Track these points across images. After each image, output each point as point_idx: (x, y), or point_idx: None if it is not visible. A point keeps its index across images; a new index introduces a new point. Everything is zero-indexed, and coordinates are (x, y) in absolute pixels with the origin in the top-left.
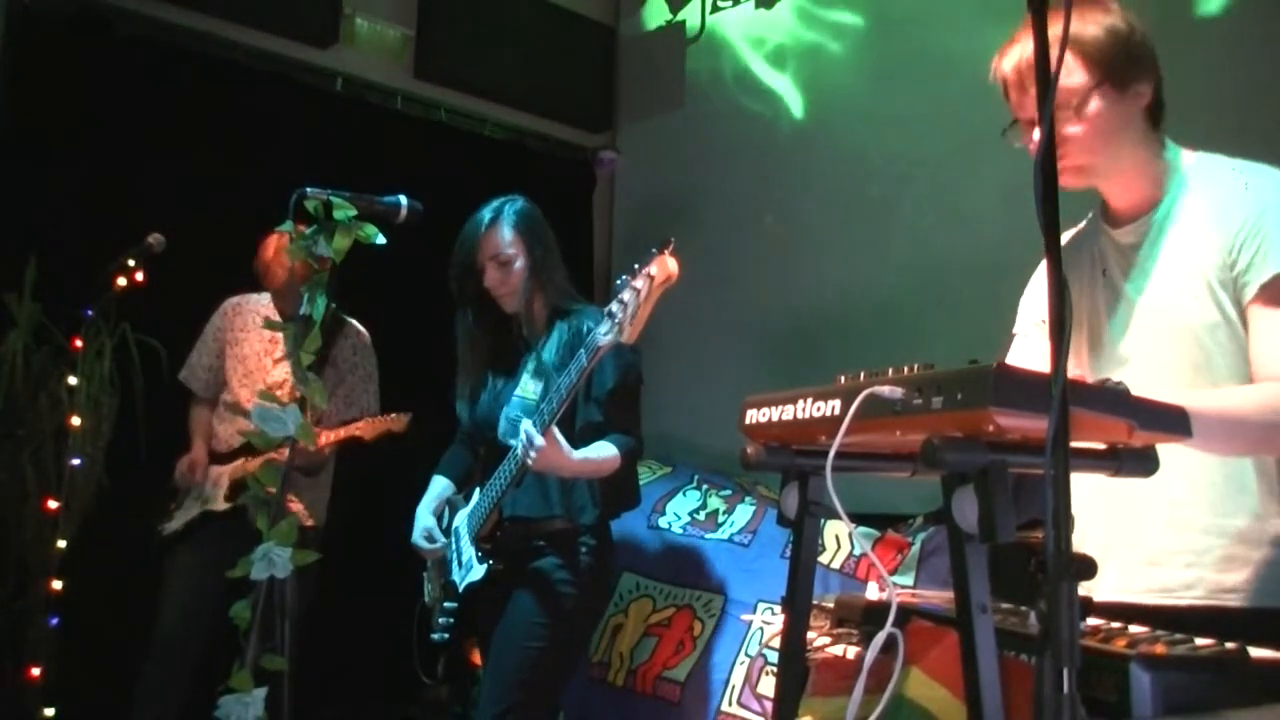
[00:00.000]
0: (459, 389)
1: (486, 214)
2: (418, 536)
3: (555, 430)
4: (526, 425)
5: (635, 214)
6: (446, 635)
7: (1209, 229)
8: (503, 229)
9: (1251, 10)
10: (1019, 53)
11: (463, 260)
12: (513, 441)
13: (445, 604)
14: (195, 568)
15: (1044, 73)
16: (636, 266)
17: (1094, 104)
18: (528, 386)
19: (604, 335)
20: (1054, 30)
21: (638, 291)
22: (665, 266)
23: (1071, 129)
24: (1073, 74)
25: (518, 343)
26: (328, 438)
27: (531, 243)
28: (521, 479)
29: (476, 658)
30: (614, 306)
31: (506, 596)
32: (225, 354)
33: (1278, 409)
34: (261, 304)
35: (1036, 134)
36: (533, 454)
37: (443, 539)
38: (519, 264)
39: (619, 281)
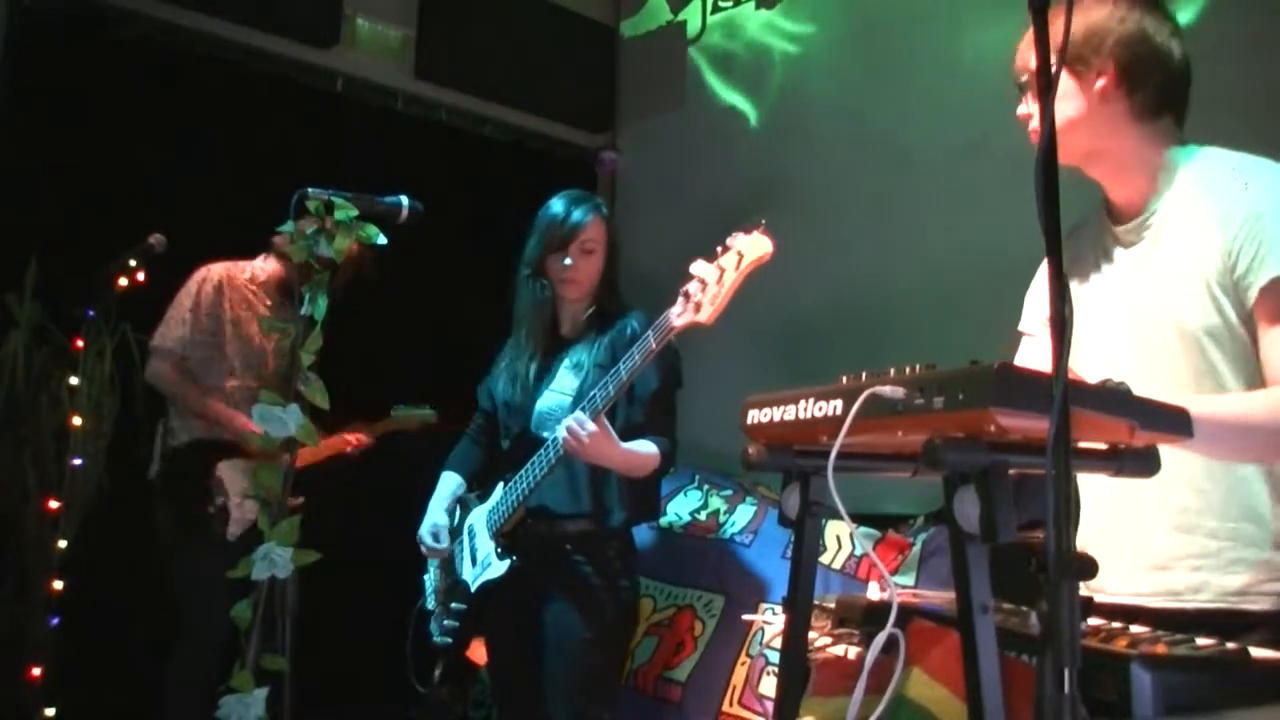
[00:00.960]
0: (501, 365)
1: (586, 203)
2: (424, 532)
3: (604, 419)
4: (575, 414)
5: (635, 214)
6: (450, 639)
7: (1208, 230)
8: (600, 222)
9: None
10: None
11: (557, 240)
12: (547, 434)
13: (452, 605)
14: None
15: (1045, 72)
16: (719, 248)
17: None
18: (564, 381)
19: (677, 316)
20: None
21: (722, 270)
22: (760, 244)
23: (1025, 109)
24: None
25: (556, 336)
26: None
27: (612, 244)
28: (554, 470)
29: (476, 657)
30: (690, 286)
31: (530, 600)
32: (225, 334)
33: None
34: (245, 277)
35: (1022, 109)
36: (584, 438)
37: (446, 541)
38: (598, 259)
39: (695, 265)
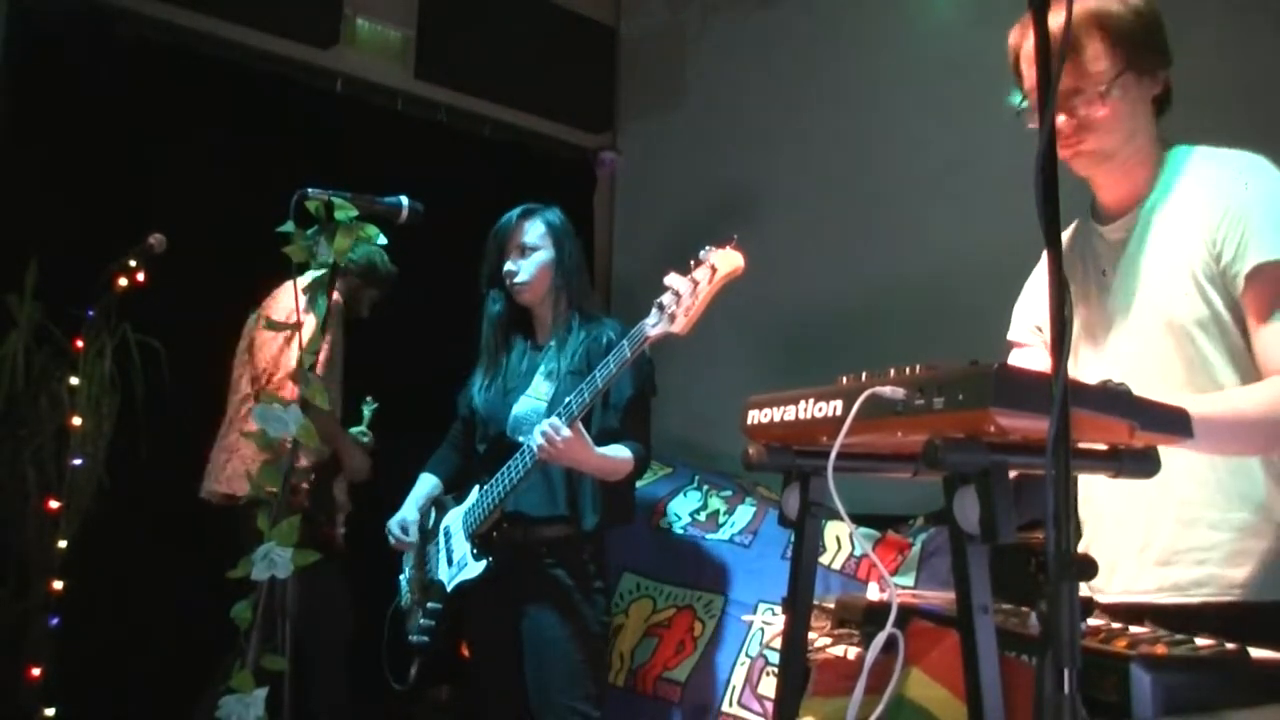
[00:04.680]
0: (474, 378)
1: (523, 208)
2: (393, 524)
3: (580, 424)
4: (550, 420)
5: (635, 214)
6: (427, 638)
7: (1192, 222)
8: (534, 221)
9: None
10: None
11: (495, 247)
12: (523, 439)
13: (428, 605)
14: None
15: (1045, 71)
16: (692, 261)
17: (1119, 88)
18: (539, 387)
19: (652, 326)
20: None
21: (696, 283)
22: (732, 259)
23: (1098, 112)
24: (1100, 59)
25: (532, 342)
26: None
27: (559, 241)
28: (530, 474)
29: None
30: (665, 298)
31: (508, 603)
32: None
33: None
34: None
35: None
36: (559, 444)
37: (415, 535)
38: (541, 257)
39: (669, 277)
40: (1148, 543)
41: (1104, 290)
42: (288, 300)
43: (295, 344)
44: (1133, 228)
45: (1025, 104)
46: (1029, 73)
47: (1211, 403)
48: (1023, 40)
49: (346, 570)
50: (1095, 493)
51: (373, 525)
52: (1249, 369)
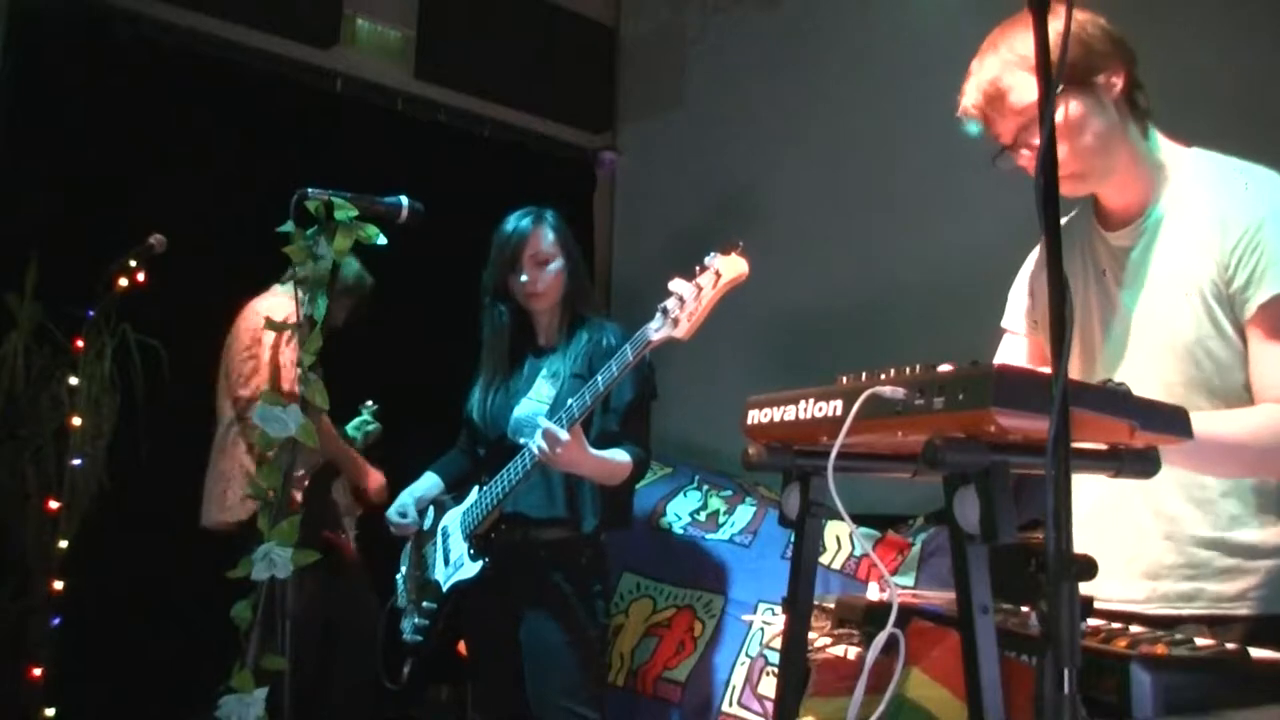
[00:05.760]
0: (477, 383)
1: (528, 216)
2: (391, 512)
3: (579, 428)
4: (548, 423)
5: (635, 214)
6: (421, 637)
7: (1205, 238)
8: (546, 231)
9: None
10: (979, 80)
11: (507, 257)
12: (523, 440)
13: (424, 604)
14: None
15: (1045, 73)
16: (697, 266)
17: (1060, 111)
18: (541, 390)
19: (655, 331)
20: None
21: (700, 288)
22: (736, 265)
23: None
24: (1029, 89)
25: (533, 346)
26: None
27: (567, 246)
28: (530, 476)
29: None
30: (669, 303)
31: (506, 605)
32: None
33: (1276, 433)
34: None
35: (1025, 152)
36: (558, 449)
37: (415, 517)
38: (555, 266)
39: (674, 282)
40: (1134, 556)
41: (1104, 296)
42: (255, 317)
43: (267, 361)
44: (1139, 237)
45: (1003, 154)
46: (993, 121)
47: (1203, 423)
48: (966, 99)
49: (367, 574)
50: (1080, 502)
51: (375, 528)
52: (1247, 391)
